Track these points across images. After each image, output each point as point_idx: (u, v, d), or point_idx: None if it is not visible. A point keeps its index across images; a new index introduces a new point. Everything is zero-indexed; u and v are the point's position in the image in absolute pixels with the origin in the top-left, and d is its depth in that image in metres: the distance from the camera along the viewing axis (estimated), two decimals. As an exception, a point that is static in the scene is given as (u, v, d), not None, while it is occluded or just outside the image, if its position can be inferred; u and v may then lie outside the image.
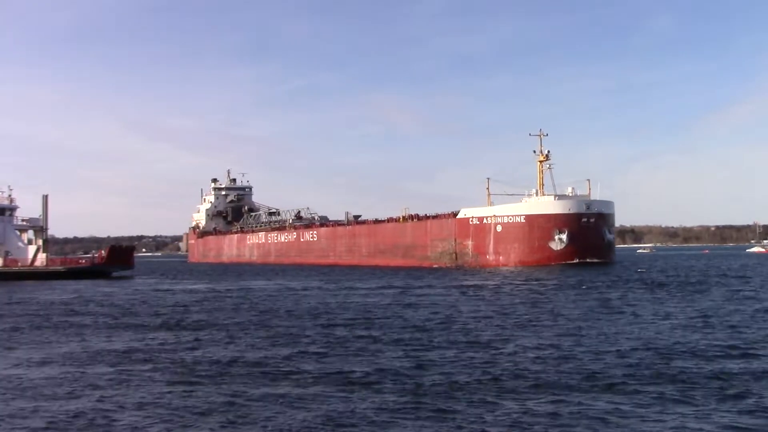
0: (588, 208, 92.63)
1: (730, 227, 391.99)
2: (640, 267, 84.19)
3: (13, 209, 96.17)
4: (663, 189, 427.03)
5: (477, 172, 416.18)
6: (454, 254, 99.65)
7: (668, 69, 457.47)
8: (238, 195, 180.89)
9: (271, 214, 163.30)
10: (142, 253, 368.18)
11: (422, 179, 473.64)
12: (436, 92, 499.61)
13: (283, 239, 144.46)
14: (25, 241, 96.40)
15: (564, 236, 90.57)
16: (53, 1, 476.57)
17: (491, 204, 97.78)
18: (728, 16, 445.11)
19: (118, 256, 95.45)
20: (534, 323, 32.05)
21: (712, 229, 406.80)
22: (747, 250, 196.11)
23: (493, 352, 24.25)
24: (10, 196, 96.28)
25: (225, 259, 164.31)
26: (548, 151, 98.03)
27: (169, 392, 18.90)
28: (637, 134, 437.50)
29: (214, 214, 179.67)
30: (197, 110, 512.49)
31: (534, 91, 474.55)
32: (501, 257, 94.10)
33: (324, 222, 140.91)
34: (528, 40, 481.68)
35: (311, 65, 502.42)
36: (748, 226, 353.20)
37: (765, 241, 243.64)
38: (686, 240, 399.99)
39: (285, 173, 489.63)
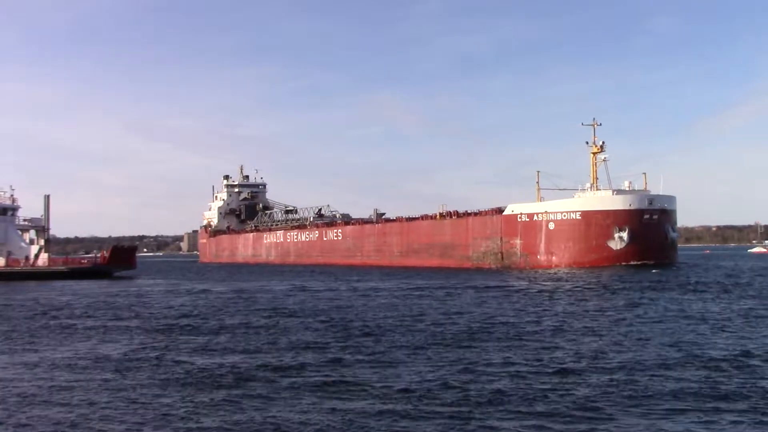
0: (650, 203, 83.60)
1: (732, 227, 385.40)
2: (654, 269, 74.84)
3: (15, 209, 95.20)
4: (664, 190, 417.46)
5: (477, 172, 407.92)
6: (499, 254, 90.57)
7: (669, 70, 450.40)
8: (251, 192, 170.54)
9: (288, 212, 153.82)
10: (144, 253, 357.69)
11: (422, 179, 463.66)
12: (437, 92, 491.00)
13: (303, 238, 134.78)
14: (27, 241, 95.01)
15: (625, 234, 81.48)
16: (54, 1, 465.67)
17: (541, 199, 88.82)
18: (729, 16, 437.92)
19: (120, 257, 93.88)
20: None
21: (713, 229, 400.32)
22: (748, 251, 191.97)
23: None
24: (12, 196, 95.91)
25: (240, 259, 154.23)
26: (603, 142, 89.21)
27: (174, 399, 17.84)
28: (638, 135, 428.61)
29: (226, 212, 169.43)
30: (197, 110, 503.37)
31: (534, 91, 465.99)
32: (554, 257, 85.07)
33: (348, 220, 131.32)
34: (528, 40, 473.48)
35: (311, 65, 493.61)
36: (750, 227, 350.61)
37: (766, 242, 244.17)
38: (687, 240, 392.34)
39: (285, 173, 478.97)
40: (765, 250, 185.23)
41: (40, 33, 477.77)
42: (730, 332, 27.56)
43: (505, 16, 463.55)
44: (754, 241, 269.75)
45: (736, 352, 22.63)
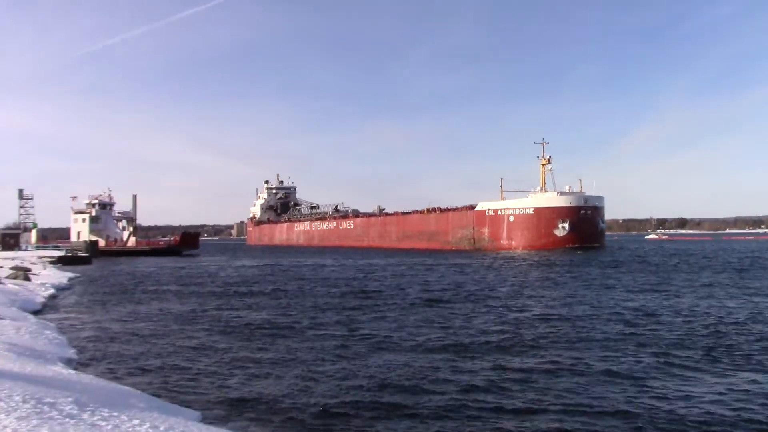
0: (586, 202, 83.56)
1: (633, 220, 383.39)
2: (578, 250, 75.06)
3: (112, 205, 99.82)
4: (596, 191, 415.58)
5: (454, 178, 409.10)
6: (472, 239, 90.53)
7: (592, 104, 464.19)
8: (285, 193, 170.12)
9: (312, 207, 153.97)
10: (204, 238, 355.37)
11: (413, 184, 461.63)
12: (424, 119, 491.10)
13: (324, 227, 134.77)
14: (120, 228, 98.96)
15: (566, 225, 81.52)
16: (154, 46, 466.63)
17: (504, 199, 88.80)
18: (635, 64, 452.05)
19: (188, 240, 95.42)
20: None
21: (620, 221, 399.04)
22: (645, 237, 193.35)
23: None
24: (110, 195, 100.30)
25: (277, 242, 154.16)
26: (549, 156, 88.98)
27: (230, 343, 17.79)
28: (571, 153, 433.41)
29: (266, 208, 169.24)
30: (248, 132, 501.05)
31: (498, 118, 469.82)
32: (513, 242, 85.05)
33: (357, 214, 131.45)
34: (494, 81, 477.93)
35: (332, 100, 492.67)
36: (647, 220, 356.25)
37: (658, 230, 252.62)
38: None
39: (310, 179, 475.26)
40: (657, 237, 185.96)
41: (140, 72, 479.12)
42: (641, 294, 27.62)
43: (477, 63, 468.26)
44: (649, 230, 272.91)
45: (645, 309, 22.74)
